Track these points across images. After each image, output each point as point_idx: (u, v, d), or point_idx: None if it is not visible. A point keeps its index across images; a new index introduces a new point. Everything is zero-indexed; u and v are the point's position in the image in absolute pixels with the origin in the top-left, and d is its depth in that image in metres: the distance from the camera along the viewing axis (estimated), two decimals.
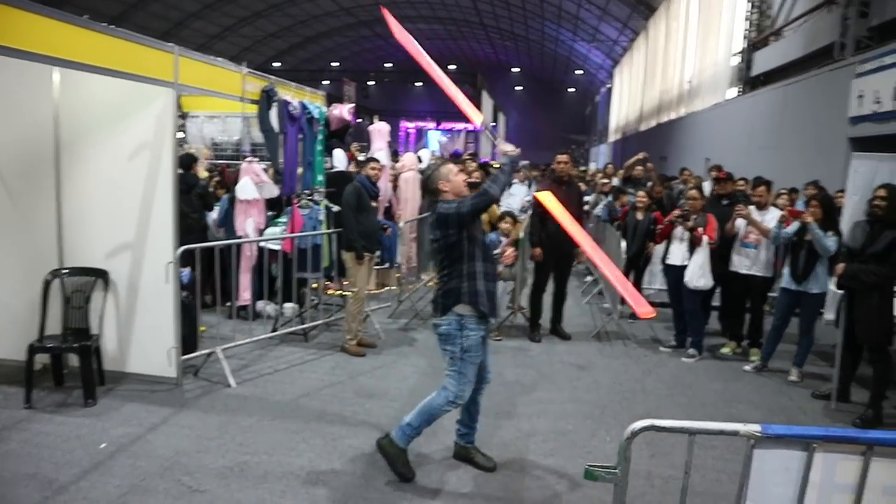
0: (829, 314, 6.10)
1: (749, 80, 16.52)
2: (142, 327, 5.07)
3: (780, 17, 15.31)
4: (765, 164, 12.61)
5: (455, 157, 16.28)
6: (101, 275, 4.99)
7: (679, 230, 6.32)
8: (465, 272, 3.70)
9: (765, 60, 15.97)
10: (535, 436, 4.55)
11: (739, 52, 17.13)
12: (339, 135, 7.75)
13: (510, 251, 4.42)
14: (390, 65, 50.34)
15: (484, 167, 11.53)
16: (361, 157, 8.70)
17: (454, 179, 3.79)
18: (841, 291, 5.25)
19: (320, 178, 7.35)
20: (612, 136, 42.96)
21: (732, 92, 17.71)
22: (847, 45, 11.37)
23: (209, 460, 3.94)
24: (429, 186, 3.85)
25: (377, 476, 3.85)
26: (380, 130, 8.76)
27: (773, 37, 15.65)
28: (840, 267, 5.01)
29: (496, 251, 6.62)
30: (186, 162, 7.08)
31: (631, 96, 36.64)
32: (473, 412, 4.06)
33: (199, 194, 7.04)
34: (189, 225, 6.56)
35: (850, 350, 5.25)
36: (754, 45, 16.43)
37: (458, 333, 3.72)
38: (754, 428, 1.88)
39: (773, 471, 1.94)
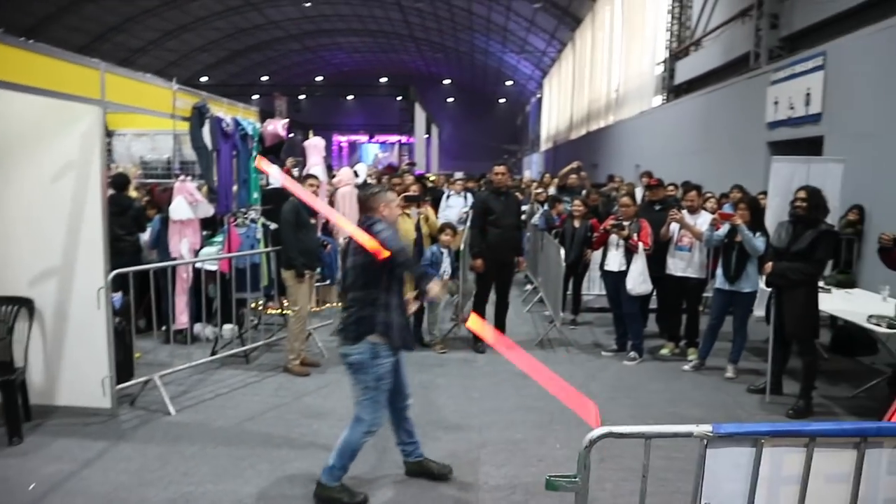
0: (758, 311, 6.36)
1: (673, 89, 17.20)
2: (72, 357, 4.82)
3: (698, 28, 16.02)
4: (691, 169, 13.11)
5: (392, 170, 16.25)
6: (24, 303, 4.71)
7: (615, 237, 6.48)
8: (380, 301, 3.59)
9: (687, 69, 16.66)
10: (486, 447, 4.55)
11: (662, 62, 17.82)
12: (273, 151, 7.62)
13: (414, 306, 4.02)
14: (321, 78, 49.98)
15: (420, 179, 11.56)
16: (296, 173, 8.57)
17: (394, 210, 3.77)
18: (770, 289, 5.50)
19: (256, 195, 7.21)
20: (544, 146, 43.88)
21: (657, 100, 18.39)
22: (761, 54, 11.99)
23: (151, 494, 3.77)
24: (369, 203, 3.74)
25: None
26: (315, 145, 8.66)
27: (693, 47, 16.35)
28: (768, 266, 5.25)
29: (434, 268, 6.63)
30: (120, 182, 6.80)
31: (561, 106, 37.54)
32: (409, 429, 3.99)
33: (133, 216, 6.77)
34: (122, 248, 6.31)
35: (780, 345, 5.49)
36: (676, 55, 17.13)
37: (372, 362, 3.60)
38: (706, 428, 1.94)
39: (725, 468, 2.01)
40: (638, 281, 6.30)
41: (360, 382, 3.66)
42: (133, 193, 7.63)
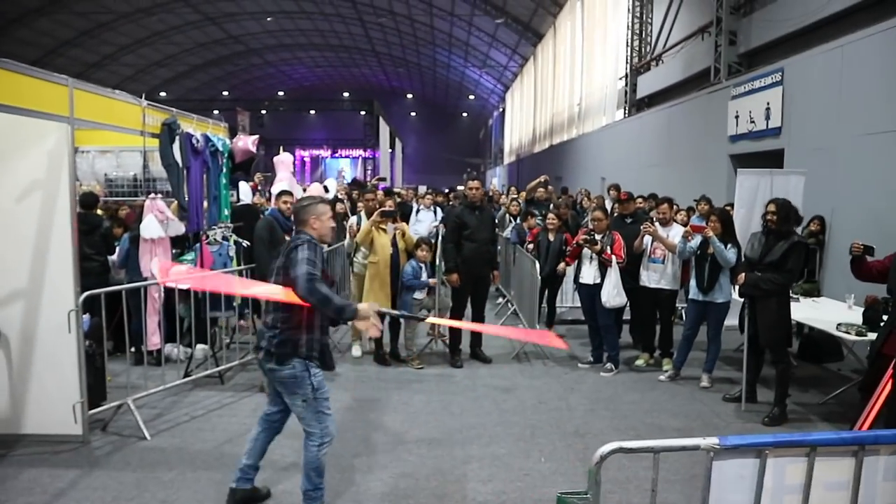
0: (731, 320, 6.49)
1: (635, 103, 17.55)
2: (40, 383, 4.63)
3: (659, 43, 16.41)
4: (654, 181, 13.38)
5: (358, 185, 16.18)
6: None
7: (588, 251, 6.55)
8: (304, 322, 3.52)
9: (648, 84, 17.04)
10: (471, 462, 4.53)
11: (624, 76, 18.18)
12: (243, 167, 7.52)
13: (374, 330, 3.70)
14: (282, 93, 49.67)
15: (389, 193, 11.54)
16: (274, 189, 8.46)
17: (325, 222, 3.65)
18: (743, 299, 5.62)
19: (226, 212, 7.09)
20: (508, 159, 44.27)
21: (619, 114, 18.73)
22: (721, 69, 12.34)
23: None
24: (300, 216, 3.66)
25: None
26: (283, 161, 8.58)
27: (654, 62, 16.73)
28: (741, 276, 5.37)
29: (420, 280, 6.59)
30: (88, 201, 6.62)
31: (524, 119, 37.98)
32: (263, 451, 3.85)
33: (102, 235, 6.58)
34: (91, 268, 6.13)
35: (754, 354, 5.60)
36: (637, 69, 17.50)
37: (307, 374, 3.53)
38: (713, 441, 1.96)
39: (730, 479, 2.03)
40: (612, 294, 6.37)
41: (298, 397, 3.55)
42: (98, 212, 7.44)
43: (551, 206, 9.96)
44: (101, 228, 6.63)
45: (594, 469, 1.94)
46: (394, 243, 6.68)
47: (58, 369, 4.60)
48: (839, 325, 5.30)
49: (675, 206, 7.25)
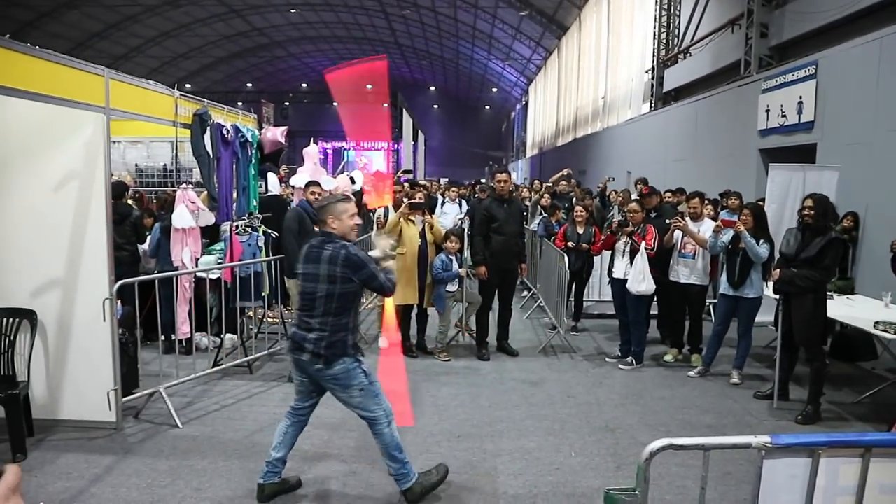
0: (762, 317, 6.39)
1: (661, 96, 17.33)
2: (76, 370, 4.71)
3: (687, 36, 16.17)
4: (681, 176, 13.23)
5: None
6: (27, 315, 4.59)
7: (621, 244, 6.49)
8: (352, 323, 3.68)
9: (675, 77, 16.81)
10: (501, 456, 4.51)
11: (650, 70, 17.96)
12: (272, 158, 7.54)
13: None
14: (305, 85, 49.82)
15: (415, 185, 11.54)
16: (294, 181, 8.49)
17: (345, 221, 3.64)
18: (777, 296, 5.53)
19: (255, 202, 7.12)
20: (530, 152, 44.04)
21: (646, 107, 18.51)
22: (752, 62, 12.12)
23: None
24: (320, 215, 3.71)
25: None
26: (309, 153, 8.59)
27: (681, 55, 16.50)
28: (776, 273, 5.27)
29: (450, 271, 6.58)
30: (118, 191, 6.70)
31: (546, 113, 37.73)
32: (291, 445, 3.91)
33: (132, 224, 6.65)
34: (122, 257, 6.19)
35: (788, 351, 5.51)
36: (664, 62, 17.27)
37: (357, 364, 3.67)
38: (765, 439, 1.92)
39: (782, 479, 1.98)
40: (638, 279, 6.28)
41: (354, 388, 3.66)
42: (129, 202, 7.52)
43: (574, 199, 9.88)
44: (131, 217, 6.70)
45: (643, 465, 1.91)
46: (422, 235, 6.66)
47: (92, 357, 4.66)
48: (877, 323, 5.19)
49: (705, 201, 7.14)
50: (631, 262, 6.40)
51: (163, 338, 6.14)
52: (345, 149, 44.04)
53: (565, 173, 10.94)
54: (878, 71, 8.18)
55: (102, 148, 4.58)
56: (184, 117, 5.96)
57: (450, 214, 11.30)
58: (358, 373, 3.65)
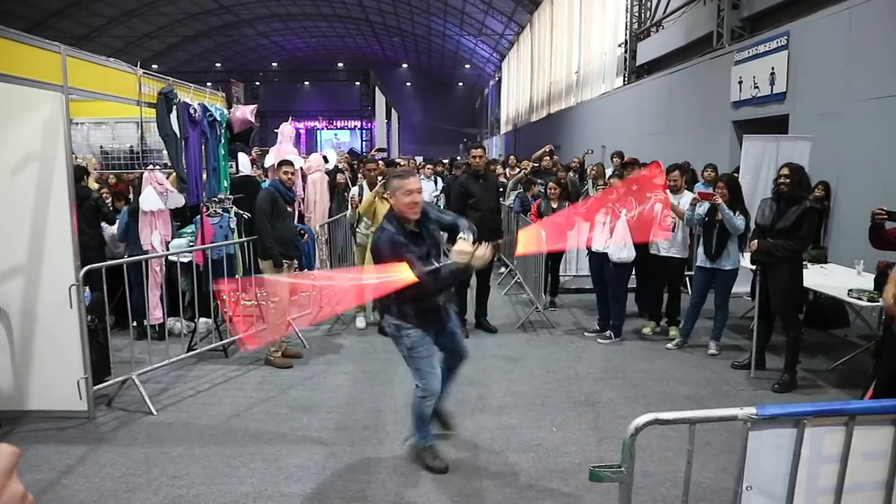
0: (738, 287, 6.43)
1: (634, 70, 17.29)
2: (43, 359, 4.56)
3: (659, 9, 16.11)
4: (655, 149, 13.24)
5: (355, 155, 15.99)
6: None
7: (601, 216, 6.46)
8: (393, 294, 3.67)
9: (648, 50, 16.76)
10: (482, 433, 4.49)
11: (623, 43, 17.89)
12: (242, 137, 7.35)
13: None
14: (275, 64, 48.97)
15: (390, 163, 11.39)
16: (266, 162, 8.32)
17: (399, 198, 3.64)
18: (754, 267, 5.55)
19: (226, 183, 6.95)
20: (504, 128, 43.89)
21: (619, 81, 18.47)
22: (724, 34, 12.11)
23: (140, 499, 3.59)
24: (387, 185, 3.87)
25: (330, 494, 3.65)
26: (283, 132, 8.41)
27: (654, 28, 16.45)
28: (754, 244, 5.28)
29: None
30: (77, 174, 6.48)
31: (520, 88, 37.54)
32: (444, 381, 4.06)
33: (92, 207, 6.45)
34: (85, 241, 5.99)
35: (764, 321, 5.55)
36: (637, 36, 17.20)
37: (398, 335, 3.80)
38: (750, 411, 1.89)
39: (767, 450, 1.97)
40: (619, 246, 6.27)
41: (400, 350, 3.86)
42: (94, 185, 7.30)
43: (558, 175, 9.82)
44: (90, 200, 6.48)
45: (629, 441, 1.87)
46: None
47: (60, 345, 4.53)
48: (850, 290, 5.24)
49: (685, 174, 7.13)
50: (611, 236, 6.38)
51: (135, 324, 5.99)
52: (317, 128, 43.62)
53: (547, 149, 10.87)
54: (848, 41, 8.20)
55: (62, 129, 4.39)
56: (148, 96, 5.78)
57: (425, 192, 11.18)
58: (401, 342, 3.78)
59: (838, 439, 1.99)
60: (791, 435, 1.95)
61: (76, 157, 7.38)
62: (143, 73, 5.62)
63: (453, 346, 4.03)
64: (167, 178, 6.41)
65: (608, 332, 6.61)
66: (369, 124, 34.49)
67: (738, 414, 1.89)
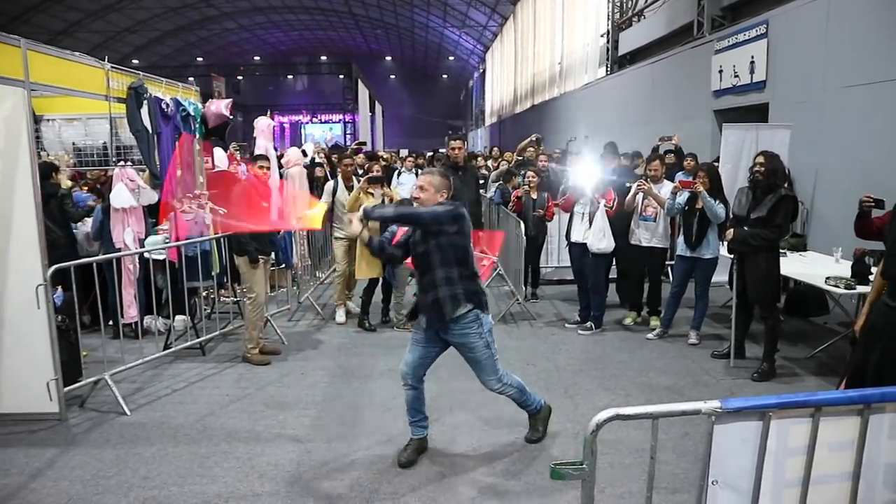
0: (718, 277, 6.43)
1: (617, 60, 17.26)
2: (11, 361, 4.46)
3: None
4: (638, 139, 13.22)
5: (338, 149, 15.88)
6: None
7: (579, 206, 6.43)
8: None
9: (630, 40, 16.74)
10: (459, 428, 4.46)
11: (605, 33, 17.85)
12: (218, 132, 7.24)
13: None
14: (258, 58, 48.53)
15: (373, 157, 11.29)
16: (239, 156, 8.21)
17: (420, 196, 3.99)
18: (731, 256, 5.54)
19: (201, 179, 6.85)
20: (489, 120, 43.79)
21: (602, 72, 18.45)
22: (704, 23, 12.10)
23: (110, 502, 3.52)
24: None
25: (302, 494, 3.60)
26: (260, 127, 8.30)
27: (636, 18, 16.42)
28: (730, 232, 5.27)
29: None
30: (44, 171, 6.36)
31: (504, 80, 37.45)
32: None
33: (59, 205, 6.32)
34: (54, 240, 5.89)
35: (743, 310, 5.55)
36: (619, 25, 17.17)
37: (478, 321, 4.05)
38: (714, 405, 1.86)
39: (733, 444, 1.94)
40: (598, 237, 6.24)
41: None
42: (67, 183, 7.17)
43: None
44: (57, 198, 6.36)
45: (590, 438, 1.84)
46: None
47: (29, 346, 4.43)
48: (828, 278, 5.24)
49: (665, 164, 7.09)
50: (590, 227, 6.35)
51: (110, 323, 5.91)
52: (301, 122, 43.32)
53: (534, 139, 10.80)
54: (827, 30, 8.20)
55: (25, 125, 4.29)
56: (117, 91, 5.65)
57: (407, 185, 11.12)
58: (479, 331, 4.01)
59: (804, 431, 1.96)
60: (756, 428, 1.93)
61: (47, 154, 7.25)
62: (112, 67, 5.50)
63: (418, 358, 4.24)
64: (141, 175, 6.30)
65: (589, 324, 6.59)
66: (353, 117, 34.28)
67: (702, 408, 1.86)
